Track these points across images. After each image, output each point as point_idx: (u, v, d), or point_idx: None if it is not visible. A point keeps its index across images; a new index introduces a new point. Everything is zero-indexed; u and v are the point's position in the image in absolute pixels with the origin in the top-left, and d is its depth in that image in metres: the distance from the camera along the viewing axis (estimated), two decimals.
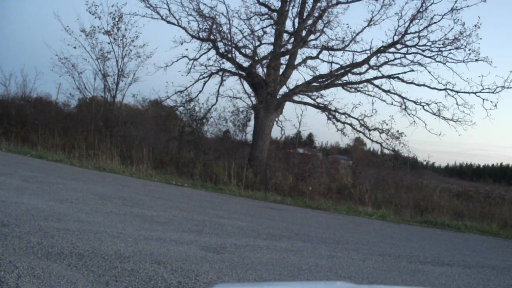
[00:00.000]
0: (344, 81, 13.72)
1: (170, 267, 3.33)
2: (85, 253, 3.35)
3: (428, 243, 7.01)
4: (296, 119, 28.14)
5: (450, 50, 12.58)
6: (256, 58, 13.20)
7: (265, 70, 13.43)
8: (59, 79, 20.90)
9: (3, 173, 7.03)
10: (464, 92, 12.76)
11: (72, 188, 6.67)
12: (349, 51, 13.51)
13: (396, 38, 12.91)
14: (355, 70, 13.57)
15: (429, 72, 12.99)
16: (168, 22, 13.24)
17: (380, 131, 13.44)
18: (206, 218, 5.90)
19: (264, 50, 14.21)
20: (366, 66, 13.40)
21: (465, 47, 12.32)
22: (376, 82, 13.52)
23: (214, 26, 13.11)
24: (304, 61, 13.86)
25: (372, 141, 13.78)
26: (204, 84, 14.07)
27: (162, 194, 8.17)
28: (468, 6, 12.25)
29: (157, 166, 12.61)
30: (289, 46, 13.64)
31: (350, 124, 13.65)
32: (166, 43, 46.90)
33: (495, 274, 4.99)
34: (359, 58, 13.46)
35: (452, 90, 12.86)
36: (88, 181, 8.09)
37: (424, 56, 12.91)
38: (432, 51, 12.77)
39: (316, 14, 13.37)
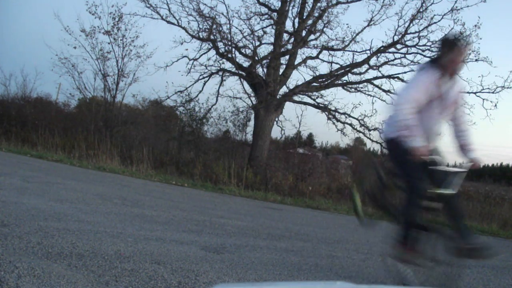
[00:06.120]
0: (344, 81, 13.73)
1: (170, 267, 3.33)
2: (85, 253, 3.35)
3: None
4: (296, 119, 28.04)
5: None
6: (256, 58, 13.20)
7: (265, 70, 13.44)
8: (59, 79, 20.78)
9: (3, 173, 7.03)
10: (464, 92, 12.75)
11: (72, 188, 6.67)
12: (349, 51, 13.53)
13: (396, 38, 12.92)
14: (355, 70, 13.58)
15: None
16: (168, 22, 13.26)
17: (380, 131, 13.45)
18: (206, 218, 5.89)
19: (264, 50, 14.23)
20: (366, 66, 13.41)
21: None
22: (376, 82, 13.53)
23: (214, 26, 13.12)
24: (304, 61, 13.86)
25: (372, 141, 13.79)
26: (204, 84, 14.10)
27: (162, 194, 8.17)
28: (468, 6, 12.27)
29: (157, 166, 12.61)
30: (289, 46, 13.65)
31: (350, 124, 13.66)
32: (166, 43, 46.74)
33: (495, 274, 4.99)
34: (359, 58, 13.48)
35: None
36: (88, 181, 8.09)
37: (424, 56, 12.91)
38: (432, 51, 12.75)
39: (316, 14, 13.38)
